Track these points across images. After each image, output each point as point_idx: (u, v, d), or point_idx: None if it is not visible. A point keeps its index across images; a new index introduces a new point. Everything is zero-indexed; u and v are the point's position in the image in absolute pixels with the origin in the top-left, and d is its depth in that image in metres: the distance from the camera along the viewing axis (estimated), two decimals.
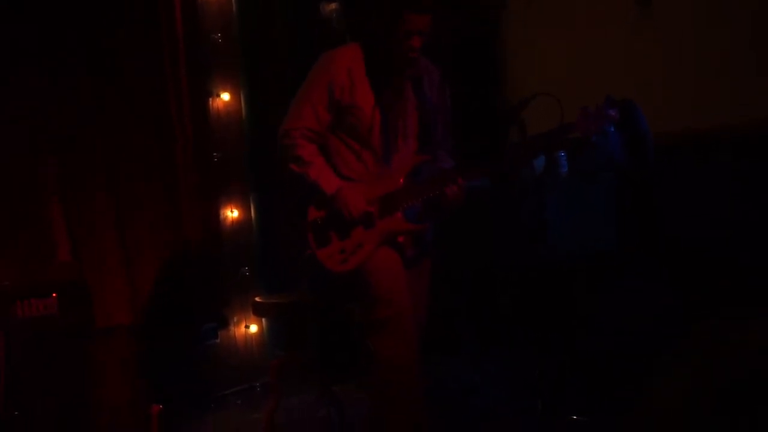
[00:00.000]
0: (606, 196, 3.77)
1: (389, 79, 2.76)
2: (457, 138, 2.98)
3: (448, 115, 2.92)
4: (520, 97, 2.93)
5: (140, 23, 3.98)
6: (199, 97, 4.20)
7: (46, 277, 3.39)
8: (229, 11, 4.38)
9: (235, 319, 4.31)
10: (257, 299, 3.37)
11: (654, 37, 3.68)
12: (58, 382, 3.17)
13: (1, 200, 3.50)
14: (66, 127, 3.69)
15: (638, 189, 3.70)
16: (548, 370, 3.33)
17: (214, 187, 4.26)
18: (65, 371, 3.20)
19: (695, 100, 3.52)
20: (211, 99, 4.29)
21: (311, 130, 2.78)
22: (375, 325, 2.65)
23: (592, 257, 3.76)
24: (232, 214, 4.35)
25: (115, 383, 3.50)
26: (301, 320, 3.58)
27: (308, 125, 2.77)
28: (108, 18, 3.84)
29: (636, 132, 3.20)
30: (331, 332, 3.35)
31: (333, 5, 4.56)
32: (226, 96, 4.33)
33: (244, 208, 4.40)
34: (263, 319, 4.32)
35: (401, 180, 2.77)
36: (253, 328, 4.37)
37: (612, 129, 2.55)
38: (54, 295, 3.22)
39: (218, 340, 4.22)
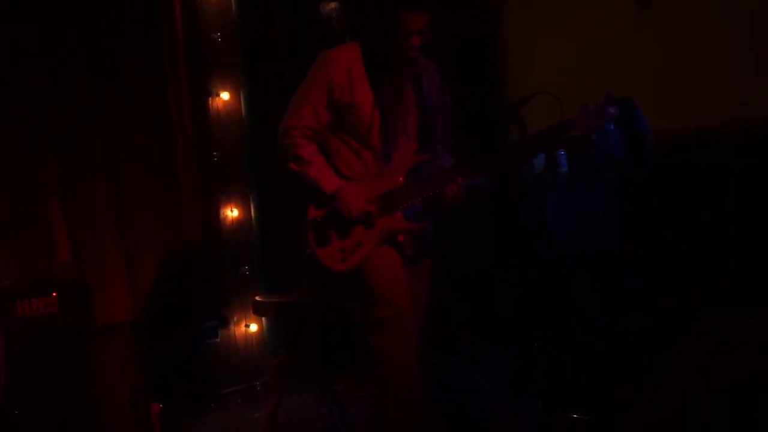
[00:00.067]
0: (606, 196, 3.77)
1: (389, 78, 2.76)
2: (457, 138, 2.98)
3: (448, 115, 2.92)
4: (520, 96, 2.93)
5: (140, 23, 3.98)
6: (199, 97, 4.20)
7: (46, 276, 3.39)
8: (229, 11, 4.38)
9: (236, 319, 4.32)
10: (257, 298, 3.37)
11: (654, 37, 3.67)
12: (59, 381, 3.17)
13: (1, 200, 3.51)
14: (66, 127, 3.70)
15: (638, 189, 3.70)
16: (548, 370, 3.33)
17: (214, 186, 4.27)
18: (65, 371, 3.20)
19: (695, 100, 3.52)
20: (210, 99, 4.29)
21: (311, 129, 2.78)
22: (375, 324, 2.65)
23: (592, 257, 3.76)
24: (232, 213, 4.35)
25: (115, 383, 3.50)
26: (302, 319, 3.58)
27: (308, 124, 2.77)
28: (108, 18, 3.85)
29: (636, 131, 3.19)
30: (331, 332, 3.35)
31: (333, 5, 4.56)
32: (225, 96, 4.34)
33: (244, 207, 4.41)
34: (263, 319, 4.32)
35: (401, 179, 2.77)
36: (254, 328, 4.37)
37: (612, 126, 2.55)
38: (54, 294, 3.22)
39: (218, 340, 4.23)
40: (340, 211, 2.70)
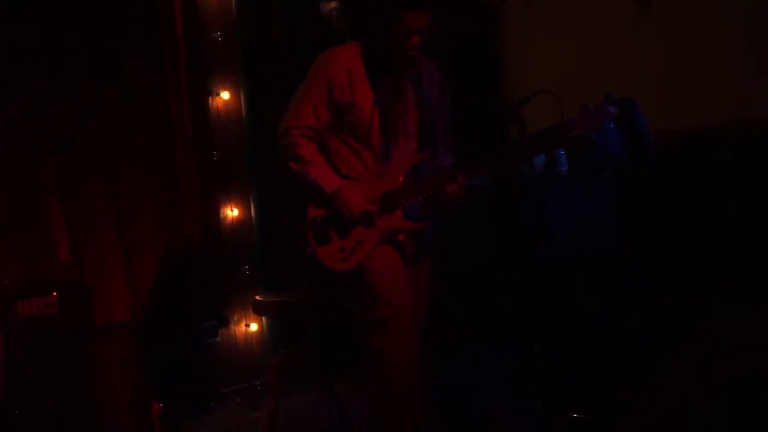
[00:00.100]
0: (606, 196, 3.76)
1: (389, 78, 2.76)
2: (457, 137, 2.98)
3: (448, 114, 2.92)
4: (520, 96, 2.93)
5: (140, 23, 3.98)
6: (198, 97, 4.20)
7: (46, 276, 3.39)
8: (229, 11, 4.39)
9: (236, 318, 4.32)
10: (257, 298, 3.37)
11: (654, 37, 3.67)
12: (59, 381, 3.17)
13: (1, 200, 3.50)
14: (66, 127, 3.69)
15: (638, 189, 3.70)
16: (548, 370, 3.33)
17: (214, 186, 4.27)
18: (65, 371, 3.20)
19: (695, 100, 3.52)
20: (211, 98, 4.29)
21: (311, 128, 2.78)
22: (375, 324, 2.65)
23: (592, 257, 3.76)
24: (232, 213, 4.35)
25: (115, 383, 3.50)
26: (302, 319, 3.58)
27: (308, 124, 2.77)
28: (108, 18, 3.85)
29: (636, 131, 3.19)
30: (331, 332, 3.35)
31: (333, 5, 4.56)
32: (226, 95, 4.34)
33: (244, 207, 4.41)
34: (263, 318, 4.33)
35: (401, 178, 2.77)
36: (254, 327, 4.37)
37: (612, 126, 2.55)
38: (54, 294, 3.22)
39: (218, 339, 4.23)
40: (340, 211, 2.70)
